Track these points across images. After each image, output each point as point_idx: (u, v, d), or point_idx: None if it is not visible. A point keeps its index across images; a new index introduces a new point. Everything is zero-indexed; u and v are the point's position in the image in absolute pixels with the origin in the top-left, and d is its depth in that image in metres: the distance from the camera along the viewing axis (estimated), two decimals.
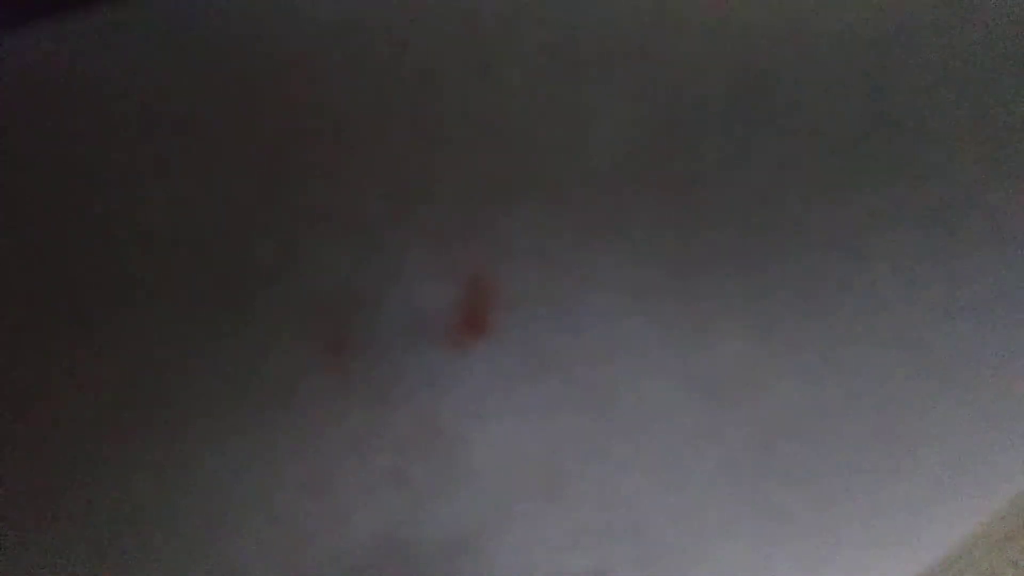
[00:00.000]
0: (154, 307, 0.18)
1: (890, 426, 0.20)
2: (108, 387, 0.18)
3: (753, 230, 0.19)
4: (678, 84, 0.20)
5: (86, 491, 0.18)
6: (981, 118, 0.20)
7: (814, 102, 0.20)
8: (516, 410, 0.19)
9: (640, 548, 0.20)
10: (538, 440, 0.19)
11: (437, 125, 0.19)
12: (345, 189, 0.19)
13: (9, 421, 0.18)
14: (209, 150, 0.18)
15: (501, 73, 0.20)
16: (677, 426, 0.19)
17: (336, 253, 0.19)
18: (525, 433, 0.19)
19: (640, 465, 0.19)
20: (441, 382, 0.19)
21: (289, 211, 0.18)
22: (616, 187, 0.19)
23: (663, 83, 0.20)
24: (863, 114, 0.20)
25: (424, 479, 0.19)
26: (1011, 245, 0.20)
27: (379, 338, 0.19)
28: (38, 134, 0.18)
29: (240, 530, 0.19)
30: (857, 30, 0.20)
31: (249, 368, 0.18)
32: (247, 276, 0.18)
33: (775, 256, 0.19)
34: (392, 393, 0.19)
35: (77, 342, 0.18)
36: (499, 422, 0.19)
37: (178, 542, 0.19)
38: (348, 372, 0.19)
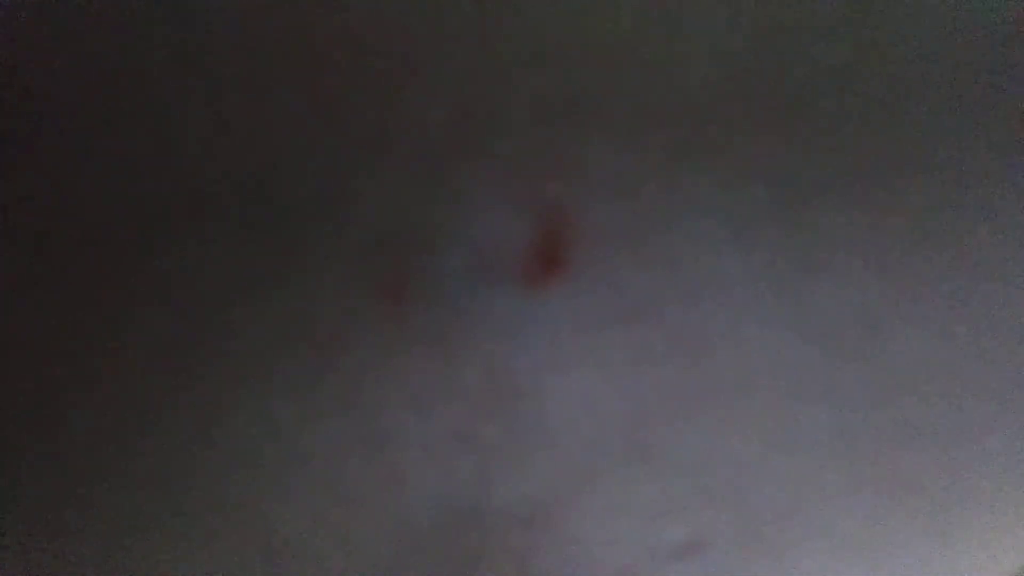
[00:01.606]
0: (191, 250, 0.16)
1: None
2: (143, 341, 0.17)
3: (869, 153, 0.17)
4: (774, 2, 0.17)
5: (121, 453, 0.17)
6: None
7: (931, 17, 0.17)
8: (598, 361, 0.17)
9: (742, 517, 0.18)
10: (623, 395, 0.17)
11: (506, 42, 0.17)
12: (404, 114, 0.17)
13: (34, 373, 0.17)
14: (254, 71, 0.16)
15: None
16: (784, 380, 0.17)
17: (394, 185, 0.17)
18: (608, 387, 0.17)
19: (741, 424, 0.17)
20: (512, 329, 0.17)
21: (341, 139, 0.17)
22: (710, 104, 0.17)
23: (758, 2, 0.17)
24: (995, 24, 0.17)
25: (493, 439, 0.17)
26: None
27: (442, 280, 0.17)
28: (62, 64, 0.16)
29: (287, 495, 0.17)
30: None
31: (296, 316, 0.17)
32: (294, 213, 0.17)
33: (895, 183, 0.17)
34: (457, 342, 0.17)
35: (110, 291, 0.16)
36: (579, 374, 0.17)
37: (219, 508, 0.17)
38: (407, 319, 0.17)
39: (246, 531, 0.17)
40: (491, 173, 0.17)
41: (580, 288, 0.17)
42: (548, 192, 0.17)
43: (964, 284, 0.17)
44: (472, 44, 0.17)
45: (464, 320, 0.17)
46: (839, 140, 0.17)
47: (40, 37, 0.16)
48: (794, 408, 0.17)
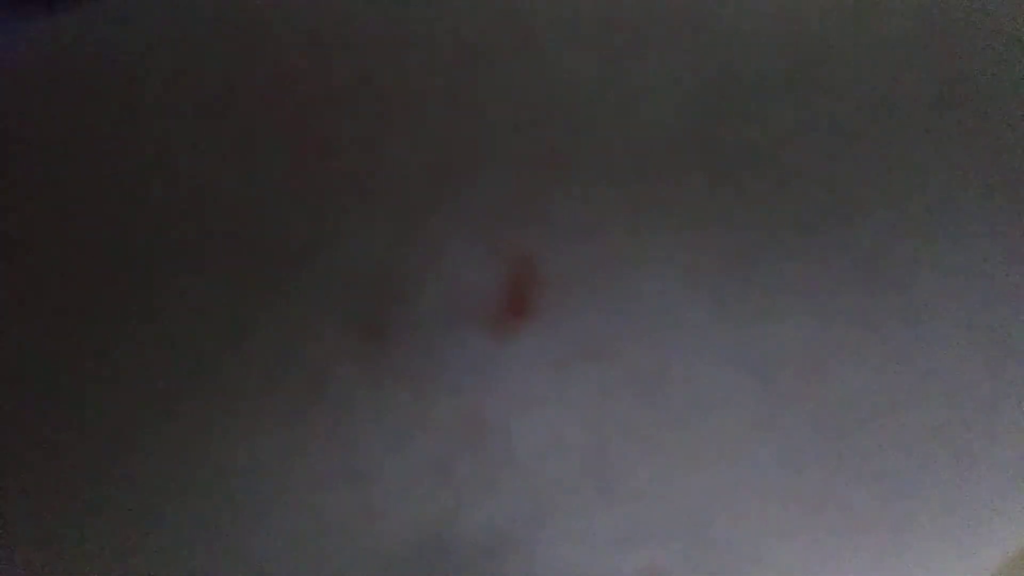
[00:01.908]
0: (179, 292, 0.17)
1: (964, 417, 0.19)
2: (131, 376, 0.17)
3: (813, 205, 0.18)
4: (731, 58, 0.19)
5: (107, 484, 0.18)
6: None
7: (876, 73, 0.19)
8: (563, 398, 0.18)
9: (696, 546, 0.19)
10: (586, 429, 0.18)
11: (480, 101, 0.18)
12: (384, 166, 0.18)
13: (29, 410, 0.17)
14: (240, 124, 0.17)
15: (546, 47, 0.19)
16: (734, 415, 0.18)
17: (374, 233, 0.18)
18: (573, 422, 0.18)
19: (695, 457, 0.18)
20: (484, 369, 0.18)
21: (324, 189, 0.18)
22: (667, 164, 0.18)
23: (716, 57, 0.19)
24: (930, 84, 0.19)
25: (467, 471, 0.18)
26: None
27: (419, 323, 0.18)
28: (62, 116, 0.17)
29: (270, 525, 0.18)
30: None
31: (281, 355, 0.17)
32: (279, 258, 0.17)
33: (837, 233, 0.18)
34: (432, 381, 0.18)
35: (100, 330, 0.17)
36: (545, 410, 0.18)
37: (204, 537, 0.18)
38: (386, 359, 0.18)
39: (230, 561, 0.18)
40: (464, 223, 0.18)
41: (546, 330, 0.18)
42: (517, 241, 0.18)
43: (901, 327, 0.18)
44: (448, 102, 0.18)
45: (440, 360, 0.18)
46: (788, 190, 0.18)
47: (43, 98, 0.17)
48: (745, 444, 0.18)
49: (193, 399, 0.17)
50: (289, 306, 0.17)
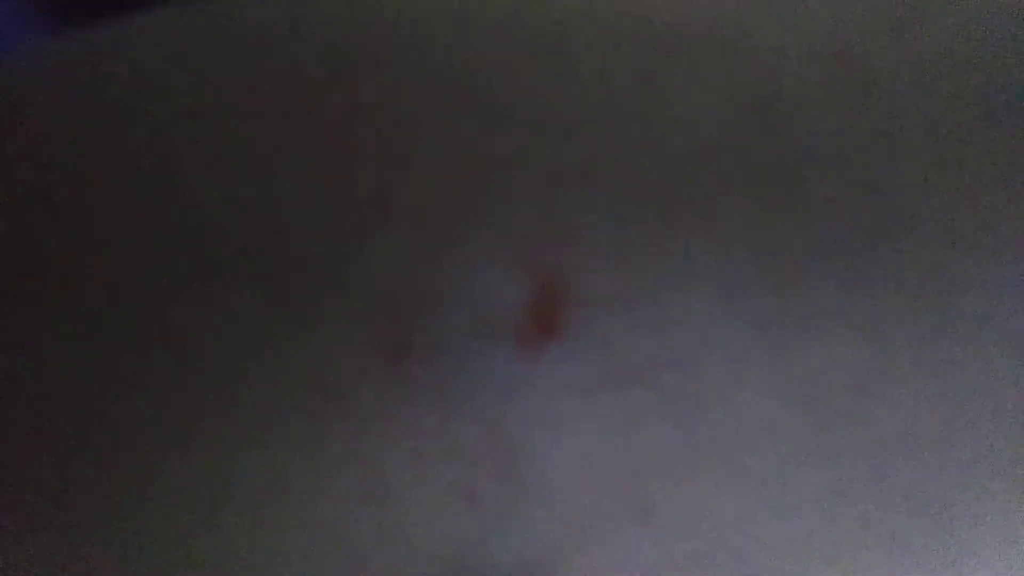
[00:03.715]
0: (201, 309, 0.17)
1: (1017, 442, 0.18)
2: (151, 394, 0.17)
3: (857, 221, 0.17)
4: (771, 76, 0.18)
5: (123, 500, 0.17)
6: None
7: (919, 91, 0.18)
8: (594, 421, 0.17)
9: None
10: (619, 455, 0.17)
11: (507, 113, 0.18)
12: (408, 181, 0.17)
13: (47, 426, 0.17)
14: (263, 140, 0.17)
15: (575, 57, 0.18)
16: (776, 442, 0.18)
17: (399, 251, 0.17)
18: (605, 447, 0.17)
19: (735, 486, 0.18)
20: (511, 389, 0.17)
21: (348, 205, 0.17)
22: (703, 177, 0.18)
23: (755, 75, 0.18)
24: (974, 101, 0.18)
25: (492, 495, 0.17)
26: None
27: (443, 341, 0.17)
28: (81, 132, 0.17)
29: (289, 545, 0.17)
30: (978, 2, 0.18)
31: (303, 373, 0.17)
32: (302, 275, 0.17)
33: (883, 250, 0.17)
34: (457, 400, 0.17)
35: (121, 346, 0.17)
36: (575, 434, 0.17)
37: (222, 556, 0.17)
38: (410, 378, 0.17)
39: None
40: (491, 240, 0.17)
41: (575, 351, 0.17)
42: (545, 259, 0.17)
43: (950, 349, 0.17)
44: (475, 118, 0.18)
45: (465, 379, 0.17)
46: (825, 210, 0.18)
47: (72, 113, 0.17)
48: (785, 470, 0.18)
49: (217, 417, 0.17)
50: (314, 324, 0.17)
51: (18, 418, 0.18)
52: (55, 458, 0.18)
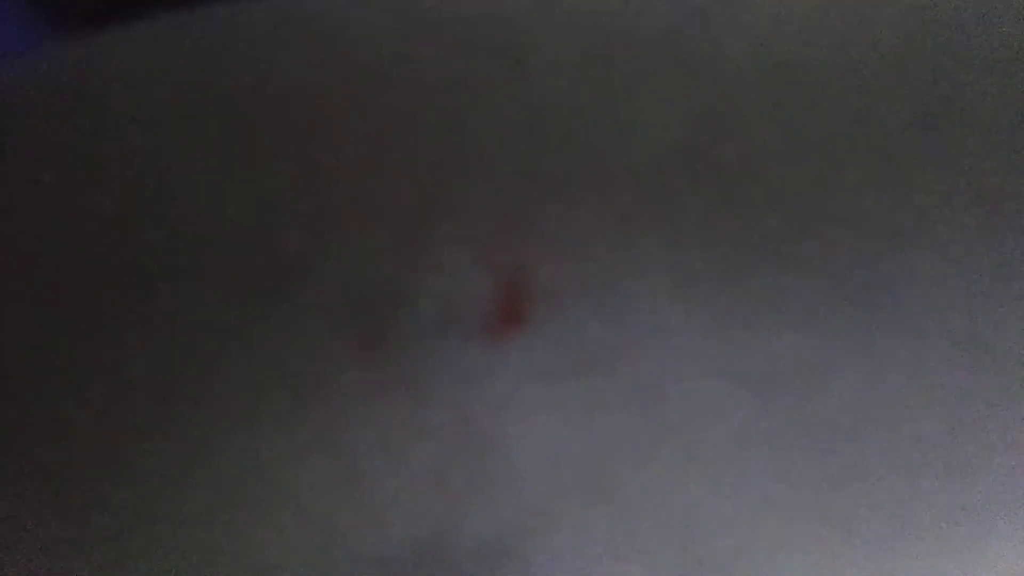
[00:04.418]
0: (181, 302, 0.18)
1: (958, 428, 0.19)
2: (132, 382, 0.18)
3: (802, 219, 0.19)
4: (720, 80, 0.19)
5: (104, 486, 0.18)
6: None
7: (859, 96, 0.19)
8: (557, 407, 0.18)
9: (691, 558, 0.19)
10: (581, 440, 0.18)
11: (471, 122, 0.19)
12: (379, 181, 0.18)
13: (31, 417, 0.18)
14: (239, 143, 0.18)
15: (537, 69, 0.19)
16: (728, 427, 0.18)
17: (370, 246, 0.18)
18: (567, 432, 0.18)
19: (690, 469, 0.19)
20: (479, 378, 0.18)
21: (321, 203, 0.18)
22: (659, 177, 0.19)
23: (705, 80, 0.19)
24: (916, 101, 0.19)
25: (462, 479, 0.18)
26: None
27: (416, 332, 0.18)
28: (66, 132, 0.18)
29: (267, 528, 0.18)
30: (914, 14, 0.20)
31: (280, 363, 0.18)
32: (277, 269, 0.18)
33: (825, 244, 0.18)
34: (428, 389, 0.18)
35: (102, 337, 0.18)
36: (539, 420, 0.18)
37: (200, 539, 0.18)
38: (382, 367, 0.18)
39: (227, 564, 0.18)
40: (459, 236, 0.18)
41: (539, 340, 0.18)
42: (511, 253, 0.18)
43: (890, 338, 0.19)
44: (446, 122, 0.19)
45: (434, 368, 0.18)
46: (777, 206, 0.19)
47: (61, 113, 0.18)
48: (737, 453, 0.19)
49: (192, 405, 0.18)
50: (289, 315, 0.18)
51: None
52: (31, 441, 0.18)
